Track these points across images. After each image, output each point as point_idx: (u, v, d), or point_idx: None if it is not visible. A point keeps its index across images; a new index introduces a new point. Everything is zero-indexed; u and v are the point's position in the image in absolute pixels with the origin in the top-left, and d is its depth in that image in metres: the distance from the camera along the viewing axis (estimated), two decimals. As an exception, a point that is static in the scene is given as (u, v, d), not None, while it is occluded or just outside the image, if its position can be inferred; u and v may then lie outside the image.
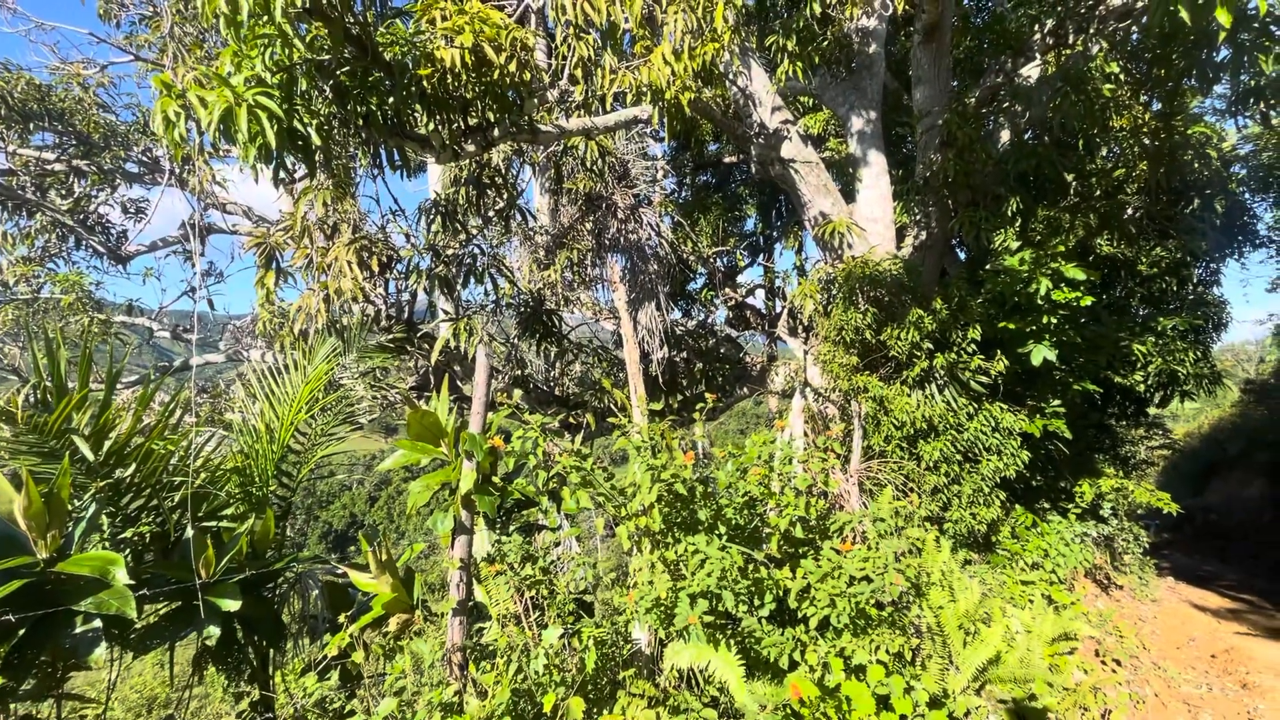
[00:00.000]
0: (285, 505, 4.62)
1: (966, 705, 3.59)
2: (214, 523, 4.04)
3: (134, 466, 3.55)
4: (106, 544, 3.51)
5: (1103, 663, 6.01)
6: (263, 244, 5.60)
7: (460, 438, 3.41)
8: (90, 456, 3.33)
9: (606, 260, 7.48)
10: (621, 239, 7.33)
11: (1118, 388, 7.35)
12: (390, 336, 6.60)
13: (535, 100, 4.26)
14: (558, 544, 4.50)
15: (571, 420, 7.96)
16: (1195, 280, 8.43)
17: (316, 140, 3.26)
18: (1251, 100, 5.86)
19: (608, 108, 4.34)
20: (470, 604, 3.58)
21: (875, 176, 7.06)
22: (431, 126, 4.12)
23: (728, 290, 10.59)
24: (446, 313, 6.65)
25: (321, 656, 3.72)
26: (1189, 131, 7.49)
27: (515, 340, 7.58)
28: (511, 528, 4.34)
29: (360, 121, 3.88)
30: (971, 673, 3.75)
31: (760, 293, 12.12)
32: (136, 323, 10.49)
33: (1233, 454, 16.76)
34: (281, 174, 3.73)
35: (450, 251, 6.24)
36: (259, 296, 5.77)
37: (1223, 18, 3.51)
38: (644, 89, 3.82)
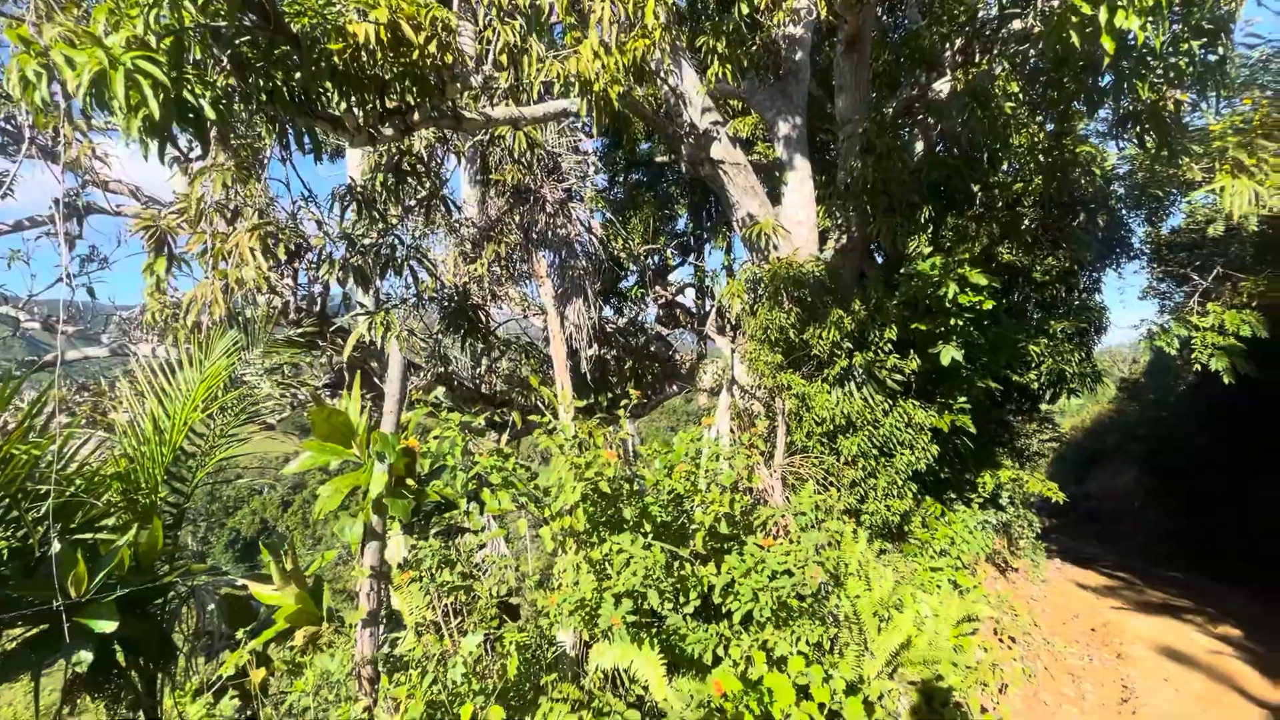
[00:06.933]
0: (178, 512, 4.24)
1: (880, 689, 3.75)
2: (90, 535, 3.65)
3: (-12, 474, 3.14)
4: (-48, 563, 3.09)
5: (1000, 640, 6.46)
6: (152, 227, 5.08)
7: (372, 438, 3.22)
8: (-69, 463, 2.91)
9: (535, 255, 7.33)
10: (550, 233, 7.20)
11: (1015, 385, 7.92)
12: (300, 330, 6.18)
13: (459, 85, 4.09)
14: (483, 546, 4.35)
15: (498, 418, 7.75)
16: (1081, 287, 9.20)
17: (211, 114, 2.97)
18: (1129, 124, 6.45)
19: (535, 97, 4.22)
20: (386, 613, 3.40)
21: (800, 181, 7.27)
22: (345, 107, 3.87)
23: (658, 288, 10.64)
24: (363, 305, 6.30)
25: (217, 677, 3.42)
26: (1077, 150, 8.16)
27: (438, 336, 7.29)
28: (432, 531, 4.15)
29: (264, 98, 3.59)
30: (885, 658, 3.93)
31: (690, 291, 12.27)
32: (0, 311, 9.31)
33: (1110, 446, 18.48)
34: (171, 150, 3.40)
35: (367, 241, 5.90)
36: (148, 285, 5.24)
37: (1107, 44, 3.83)
38: (573, 80, 3.74)
